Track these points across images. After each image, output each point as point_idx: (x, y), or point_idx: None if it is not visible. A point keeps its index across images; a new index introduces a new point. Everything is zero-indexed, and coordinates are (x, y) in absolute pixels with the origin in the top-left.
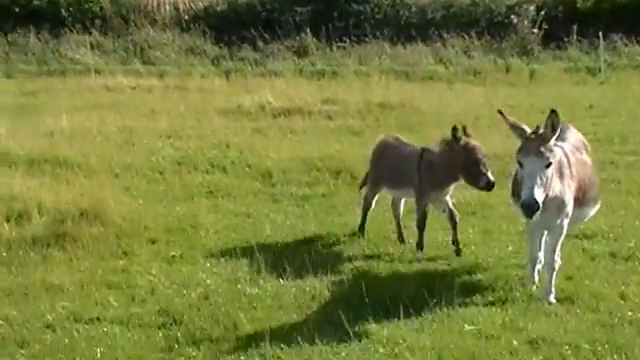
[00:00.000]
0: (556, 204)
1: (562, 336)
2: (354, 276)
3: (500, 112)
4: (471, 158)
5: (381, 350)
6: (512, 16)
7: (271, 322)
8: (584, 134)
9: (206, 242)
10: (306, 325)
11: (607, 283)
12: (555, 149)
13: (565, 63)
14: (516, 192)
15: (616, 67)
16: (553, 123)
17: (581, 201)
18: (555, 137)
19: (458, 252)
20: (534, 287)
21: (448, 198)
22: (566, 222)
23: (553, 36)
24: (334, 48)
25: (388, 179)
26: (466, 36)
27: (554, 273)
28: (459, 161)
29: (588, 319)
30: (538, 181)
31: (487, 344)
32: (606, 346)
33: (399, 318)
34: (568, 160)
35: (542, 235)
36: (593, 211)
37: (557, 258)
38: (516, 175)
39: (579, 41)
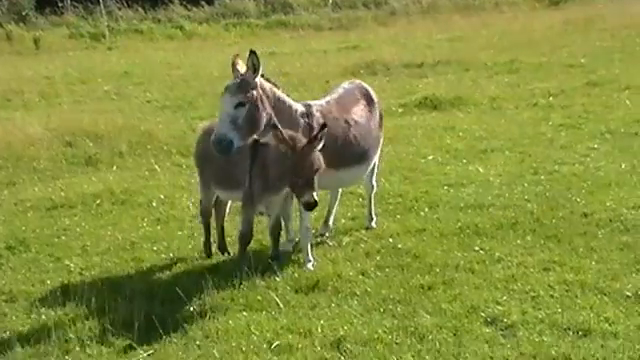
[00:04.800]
0: None
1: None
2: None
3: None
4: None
5: None
6: None
7: None
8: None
9: None
10: None
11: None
12: (253, 91)
13: (66, 29)
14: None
15: (117, 32)
16: (254, 64)
17: (335, 163)
18: (256, 77)
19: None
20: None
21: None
22: None
23: (48, 1)
24: None
25: (218, 179)
26: None
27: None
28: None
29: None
30: (230, 119)
31: None
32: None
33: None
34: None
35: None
36: (358, 172)
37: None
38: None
39: (74, 6)
